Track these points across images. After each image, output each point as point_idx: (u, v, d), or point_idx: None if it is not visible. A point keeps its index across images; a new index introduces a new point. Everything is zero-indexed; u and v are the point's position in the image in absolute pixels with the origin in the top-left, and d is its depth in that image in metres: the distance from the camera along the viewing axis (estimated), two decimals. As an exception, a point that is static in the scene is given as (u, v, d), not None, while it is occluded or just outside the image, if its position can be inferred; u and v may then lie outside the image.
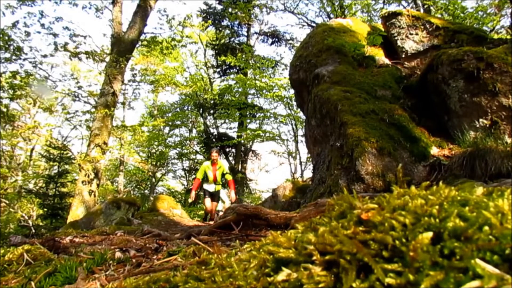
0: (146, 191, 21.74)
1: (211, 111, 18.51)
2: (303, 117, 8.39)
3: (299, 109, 11.93)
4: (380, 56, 5.77)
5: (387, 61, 5.69)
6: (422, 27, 5.54)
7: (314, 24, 16.47)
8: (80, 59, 10.79)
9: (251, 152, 20.46)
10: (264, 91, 16.88)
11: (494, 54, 3.82)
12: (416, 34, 5.56)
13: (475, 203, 0.41)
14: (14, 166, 17.83)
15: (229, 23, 19.12)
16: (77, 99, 11.46)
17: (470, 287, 0.31)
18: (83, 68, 17.54)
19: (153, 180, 20.88)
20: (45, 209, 10.18)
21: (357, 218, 0.45)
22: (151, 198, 16.95)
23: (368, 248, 0.39)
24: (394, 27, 5.76)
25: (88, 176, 9.36)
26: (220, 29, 19.05)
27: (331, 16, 15.93)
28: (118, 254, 1.49)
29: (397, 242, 0.38)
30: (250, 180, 20.33)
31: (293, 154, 20.41)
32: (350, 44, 5.66)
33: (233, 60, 16.39)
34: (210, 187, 7.44)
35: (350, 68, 5.26)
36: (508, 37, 7.86)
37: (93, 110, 11.29)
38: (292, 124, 18.51)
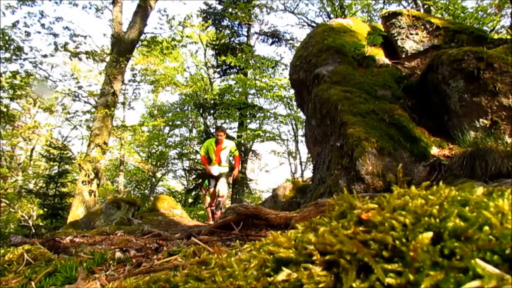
0: (146, 191, 21.75)
1: (211, 111, 18.50)
2: (303, 117, 8.39)
3: (299, 109, 11.93)
4: (380, 56, 5.77)
5: (387, 61, 5.69)
6: (422, 27, 5.54)
7: (314, 24, 16.47)
8: (80, 59, 10.79)
9: (251, 152, 20.46)
10: (264, 91, 16.89)
11: (494, 54, 3.82)
12: (416, 34, 5.55)
13: (475, 203, 0.41)
14: (14, 166, 17.83)
15: (229, 23, 19.12)
16: (77, 99, 11.47)
17: (470, 287, 0.31)
18: (83, 68, 17.54)
19: (153, 180, 20.89)
20: (45, 209, 10.18)
21: (357, 218, 0.45)
22: (151, 198, 16.96)
23: (368, 248, 0.39)
24: (394, 27, 5.76)
25: (88, 176, 9.36)
26: (220, 29, 19.05)
27: (331, 16, 15.93)
28: (118, 254, 1.49)
29: (397, 242, 0.38)
30: (250, 180, 20.33)
31: (293, 154, 20.43)
32: (350, 44, 5.66)
33: (233, 60, 16.39)
34: (213, 170, 6.71)
35: (350, 68, 5.26)
36: (508, 37, 7.86)
37: (93, 110, 11.29)
38: (292, 124, 18.53)
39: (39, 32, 11.41)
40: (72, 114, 13.19)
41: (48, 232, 6.02)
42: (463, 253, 0.34)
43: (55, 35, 10.57)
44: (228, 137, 10.52)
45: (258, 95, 18.26)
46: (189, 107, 20.30)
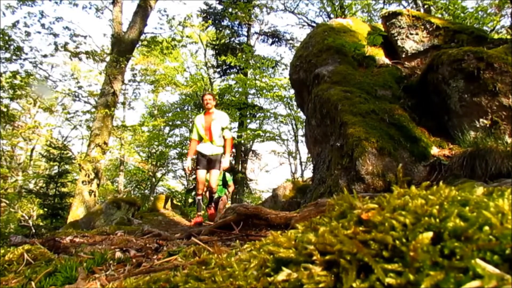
0: (146, 191, 21.75)
1: (211, 111, 18.43)
2: (303, 117, 8.39)
3: (299, 109, 11.94)
4: (380, 56, 5.77)
5: (387, 61, 5.69)
6: (422, 27, 5.54)
7: (314, 24, 16.48)
8: (80, 59, 10.80)
9: (251, 152, 20.47)
10: (264, 91, 16.90)
11: (494, 54, 3.82)
12: (416, 34, 5.56)
13: (475, 203, 0.41)
14: (14, 166, 17.84)
15: (229, 23, 19.13)
16: (77, 99, 11.47)
17: (470, 287, 0.31)
18: (83, 68, 17.54)
19: (153, 180, 20.89)
20: (45, 209, 10.18)
21: (357, 218, 0.45)
22: (151, 198, 16.96)
23: (368, 248, 0.39)
24: (394, 27, 5.76)
25: (88, 176, 9.36)
26: (220, 29, 19.06)
27: (331, 16, 15.93)
28: (118, 254, 1.49)
29: (397, 242, 0.38)
30: (250, 180, 20.34)
31: (293, 154, 20.43)
32: (350, 44, 5.66)
33: (233, 60, 16.39)
34: (204, 148, 5.24)
35: (350, 68, 5.26)
36: (508, 37, 7.86)
37: (93, 110, 11.29)
38: (292, 124, 18.54)
39: (39, 32, 11.42)
40: (72, 114, 13.19)
41: (48, 232, 6.02)
42: (463, 253, 0.34)
43: (55, 35, 10.58)
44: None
45: (258, 95, 18.27)
46: (189, 107, 20.29)
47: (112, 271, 1.21)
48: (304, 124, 6.78)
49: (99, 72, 11.49)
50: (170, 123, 20.25)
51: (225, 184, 7.23)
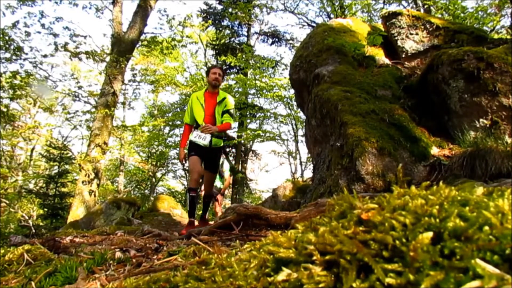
0: (146, 191, 21.75)
1: (211, 111, 18.44)
2: (303, 117, 8.39)
3: (299, 109, 11.93)
4: (380, 56, 5.77)
5: (387, 61, 5.69)
6: (422, 27, 5.54)
7: (314, 24, 16.48)
8: (80, 59, 10.81)
9: (251, 152, 20.47)
10: (264, 91, 16.88)
11: (494, 54, 3.82)
12: (416, 34, 5.56)
13: (475, 203, 0.41)
14: (14, 166, 17.84)
15: (229, 23, 19.13)
16: (77, 99, 11.48)
17: (470, 287, 0.31)
18: (83, 68, 17.54)
19: (153, 180, 20.89)
20: (45, 209, 10.18)
21: (357, 218, 0.45)
22: (151, 198, 16.96)
23: (368, 248, 0.39)
24: (394, 27, 5.76)
25: (88, 176, 9.37)
26: (220, 29, 19.06)
27: (331, 16, 15.93)
28: (118, 254, 1.49)
29: (397, 242, 0.38)
30: (250, 180, 20.35)
31: (293, 154, 20.44)
32: (350, 44, 5.66)
33: (233, 60, 16.40)
34: (201, 138, 4.08)
35: (350, 68, 5.26)
36: (508, 37, 7.86)
37: (93, 110, 11.30)
38: (292, 124, 18.53)
39: (39, 32, 11.45)
40: (72, 114, 13.21)
41: (48, 232, 6.02)
42: (463, 253, 0.34)
43: (55, 35, 10.58)
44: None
45: (258, 95, 18.26)
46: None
47: (112, 271, 1.21)
48: (304, 124, 6.78)
49: (99, 72, 11.50)
50: (170, 123, 20.25)
51: (220, 175, 6.12)
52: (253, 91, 17.71)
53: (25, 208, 14.52)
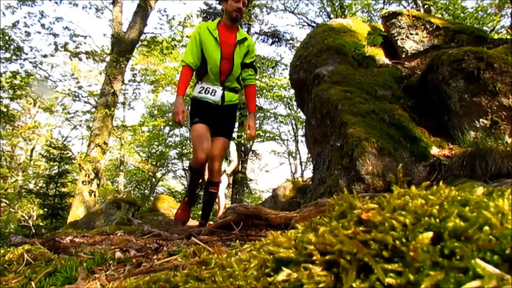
0: (146, 191, 21.75)
1: (211, 111, 18.42)
2: (303, 117, 8.38)
3: (299, 109, 11.94)
4: (380, 56, 5.77)
5: (387, 61, 5.69)
6: (422, 27, 5.54)
7: (314, 24, 16.48)
8: (80, 59, 10.81)
9: (251, 152, 20.46)
10: (264, 91, 16.89)
11: (494, 54, 3.82)
12: (416, 34, 5.55)
13: (475, 203, 0.41)
14: (14, 166, 17.84)
15: (229, 23, 19.10)
16: (77, 99, 11.49)
17: (470, 287, 0.31)
18: (83, 68, 17.56)
19: (153, 180, 20.89)
20: (45, 209, 10.18)
21: (357, 218, 0.45)
22: (151, 198, 16.96)
23: (368, 248, 0.39)
24: (394, 27, 5.76)
25: (88, 176, 9.37)
26: (220, 29, 19.04)
27: (331, 16, 15.93)
28: (118, 254, 1.49)
29: (397, 242, 0.38)
30: (250, 180, 20.34)
31: (293, 154, 20.45)
32: (350, 44, 5.66)
33: (233, 60, 16.37)
34: (209, 92, 3.05)
35: (350, 68, 5.26)
36: (508, 37, 7.86)
37: (93, 110, 11.31)
38: (292, 124, 18.56)
39: (39, 32, 11.47)
40: (72, 114, 13.23)
41: (48, 232, 6.02)
42: (463, 253, 0.34)
43: (55, 35, 10.59)
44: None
45: (258, 95, 18.26)
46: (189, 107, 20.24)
47: (112, 271, 1.21)
48: (304, 124, 6.78)
49: (99, 72, 11.51)
50: (170, 123, 20.25)
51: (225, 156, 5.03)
52: (253, 91, 17.69)
53: (25, 208, 14.52)
